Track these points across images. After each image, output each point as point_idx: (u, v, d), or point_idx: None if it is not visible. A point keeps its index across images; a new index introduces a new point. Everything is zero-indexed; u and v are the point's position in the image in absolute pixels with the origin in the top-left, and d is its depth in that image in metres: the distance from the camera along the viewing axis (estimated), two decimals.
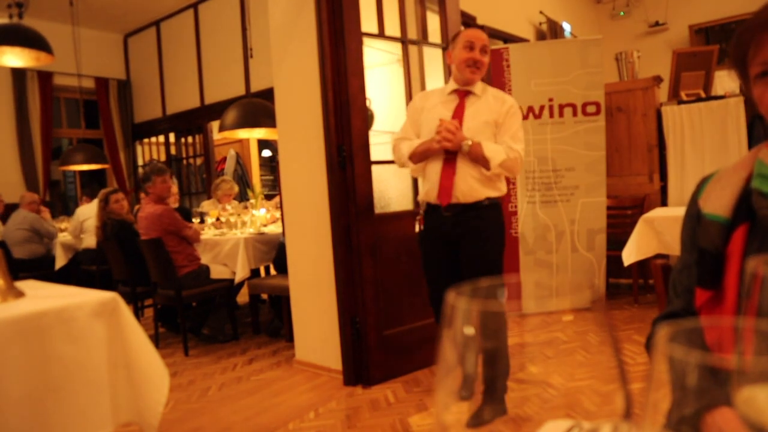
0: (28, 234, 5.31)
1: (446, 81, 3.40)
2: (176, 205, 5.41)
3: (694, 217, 0.89)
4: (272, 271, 4.61)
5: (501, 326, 0.32)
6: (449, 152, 2.33)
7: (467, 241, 2.35)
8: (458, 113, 2.38)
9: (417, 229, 2.51)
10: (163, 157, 7.78)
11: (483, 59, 2.39)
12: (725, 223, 0.80)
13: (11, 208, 5.74)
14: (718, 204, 0.82)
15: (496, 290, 0.34)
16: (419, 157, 2.40)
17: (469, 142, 2.26)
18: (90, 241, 5.11)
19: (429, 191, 2.40)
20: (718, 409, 0.47)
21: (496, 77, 3.95)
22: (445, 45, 3.38)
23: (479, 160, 2.29)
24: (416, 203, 3.24)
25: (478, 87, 2.44)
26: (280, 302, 3.91)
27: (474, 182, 2.32)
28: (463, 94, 2.43)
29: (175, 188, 5.51)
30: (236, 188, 5.58)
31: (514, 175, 2.50)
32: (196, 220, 5.15)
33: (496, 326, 0.32)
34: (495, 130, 2.36)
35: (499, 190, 2.40)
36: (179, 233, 3.89)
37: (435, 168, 2.36)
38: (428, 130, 2.39)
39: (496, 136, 2.37)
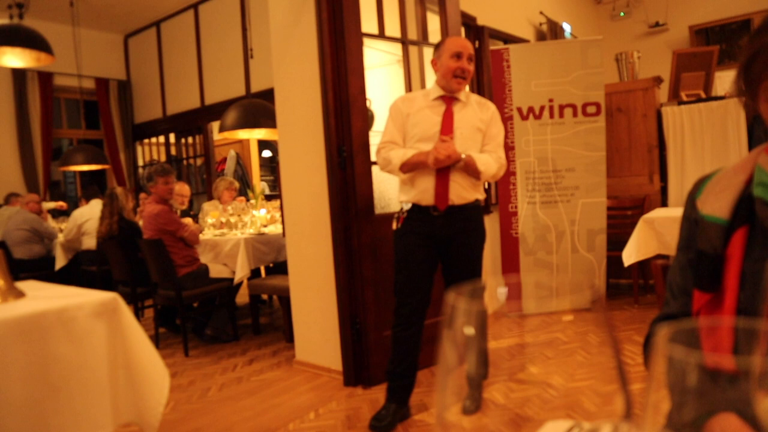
0: (29, 234, 5.31)
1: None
2: (184, 207, 5.39)
3: (691, 218, 0.89)
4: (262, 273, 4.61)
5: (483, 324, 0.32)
6: None
7: (457, 240, 2.46)
8: (447, 119, 2.44)
9: (394, 226, 2.56)
10: (163, 158, 7.78)
11: (470, 68, 2.45)
12: (724, 225, 0.80)
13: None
14: (717, 206, 0.81)
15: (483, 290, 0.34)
16: (410, 168, 2.43)
17: (464, 156, 2.35)
18: (90, 241, 5.10)
19: (420, 195, 2.44)
20: (722, 416, 0.46)
21: (496, 78, 3.95)
22: None
23: (473, 172, 2.40)
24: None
25: (463, 93, 2.52)
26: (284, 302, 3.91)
27: (467, 186, 2.44)
28: (449, 100, 2.48)
29: (186, 190, 5.48)
30: (236, 184, 5.58)
31: (497, 179, 2.68)
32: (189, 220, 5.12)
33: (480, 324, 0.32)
34: (481, 135, 2.49)
35: (482, 194, 2.56)
36: (175, 234, 3.88)
37: (427, 176, 2.42)
38: (418, 133, 2.44)
39: (482, 141, 2.50)
